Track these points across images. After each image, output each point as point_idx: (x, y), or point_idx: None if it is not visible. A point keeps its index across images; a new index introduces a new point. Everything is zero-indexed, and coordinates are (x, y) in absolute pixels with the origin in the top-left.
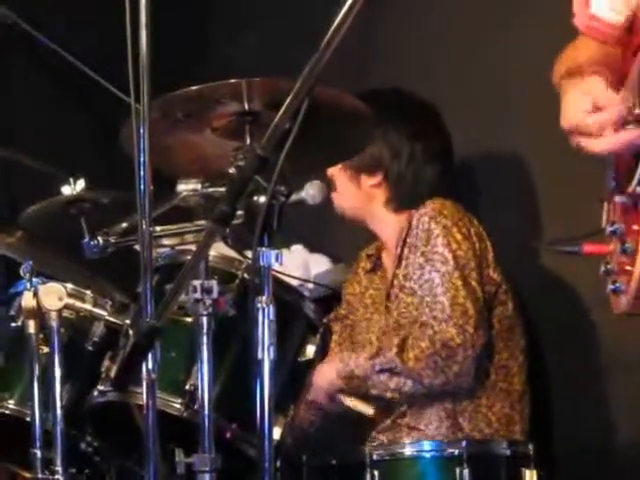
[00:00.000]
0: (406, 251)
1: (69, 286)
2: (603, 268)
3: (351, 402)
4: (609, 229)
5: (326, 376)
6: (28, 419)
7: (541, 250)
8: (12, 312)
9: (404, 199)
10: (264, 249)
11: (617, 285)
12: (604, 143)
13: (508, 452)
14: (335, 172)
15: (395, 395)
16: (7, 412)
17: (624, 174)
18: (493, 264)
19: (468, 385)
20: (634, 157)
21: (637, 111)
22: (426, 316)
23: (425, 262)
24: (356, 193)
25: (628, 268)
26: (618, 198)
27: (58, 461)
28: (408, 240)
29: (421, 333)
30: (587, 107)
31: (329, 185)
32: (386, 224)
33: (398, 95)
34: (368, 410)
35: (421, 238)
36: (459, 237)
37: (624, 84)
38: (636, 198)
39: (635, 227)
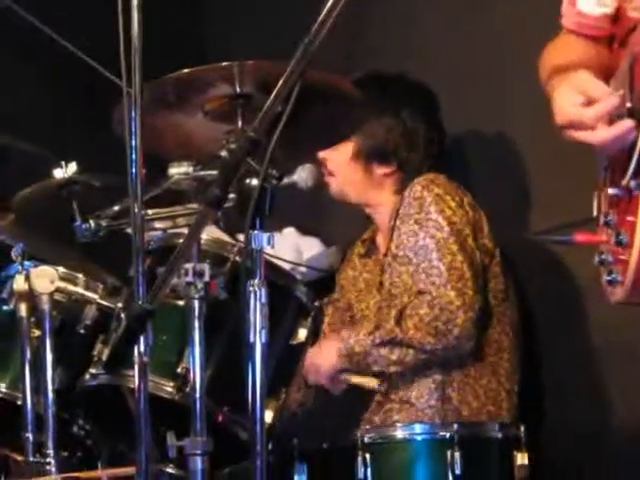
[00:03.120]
0: (398, 222)
1: (61, 269)
2: (597, 258)
3: (356, 379)
4: (603, 220)
5: (326, 357)
6: (20, 402)
7: (535, 240)
8: (4, 295)
9: (409, 182)
10: (256, 232)
11: (613, 276)
12: (599, 135)
13: (500, 435)
14: (339, 159)
15: (398, 368)
16: None
17: (616, 166)
18: (488, 235)
19: (470, 348)
20: (627, 150)
21: (628, 104)
22: (423, 283)
23: (419, 229)
24: (366, 182)
25: (623, 258)
26: (611, 190)
27: (50, 444)
28: (400, 211)
29: (419, 301)
30: (580, 100)
31: (322, 169)
32: (385, 207)
33: (406, 81)
34: (373, 383)
35: (413, 206)
36: (452, 204)
37: (614, 76)
38: (630, 191)
39: (630, 218)
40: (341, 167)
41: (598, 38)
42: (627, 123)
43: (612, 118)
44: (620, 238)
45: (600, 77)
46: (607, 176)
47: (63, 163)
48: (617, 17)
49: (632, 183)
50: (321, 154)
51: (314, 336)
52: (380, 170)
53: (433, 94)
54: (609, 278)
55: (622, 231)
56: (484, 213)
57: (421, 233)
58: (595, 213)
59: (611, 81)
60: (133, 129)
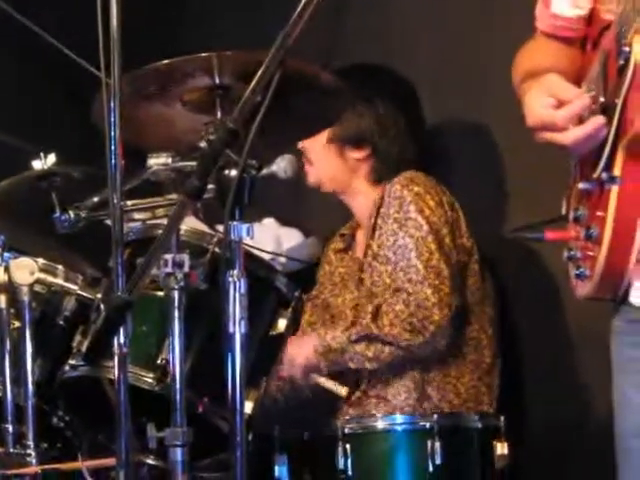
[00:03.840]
0: (379, 221)
1: (40, 261)
2: (566, 254)
3: (325, 382)
4: (573, 215)
5: (303, 352)
6: None
7: (509, 237)
8: None
9: (385, 173)
10: (235, 223)
11: (581, 270)
12: (571, 135)
13: (479, 425)
14: (314, 146)
15: (374, 364)
16: None
17: (587, 160)
18: (466, 233)
19: (444, 345)
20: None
21: (602, 99)
22: (400, 281)
23: (398, 228)
24: (339, 166)
25: (591, 254)
26: (582, 184)
27: (30, 436)
28: (381, 210)
29: (396, 298)
30: (550, 102)
31: (301, 159)
32: (363, 197)
33: (382, 70)
34: (341, 391)
35: (393, 205)
36: (432, 203)
37: (587, 75)
38: (601, 184)
39: (599, 213)
40: (318, 154)
41: (572, 40)
42: (598, 120)
43: (583, 118)
44: (590, 232)
45: (571, 80)
46: (577, 172)
47: (42, 154)
48: (591, 19)
49: (604, 175)
50: (300, 143)
51: (294, 326)
52: (353, 154)
53: (409, 84)
54: (577, 272)
55: (592, 225)
56: (463, 210)
57: (400, 232)
58: (564, 211)
59: (584, 81)
60: (112, 120)
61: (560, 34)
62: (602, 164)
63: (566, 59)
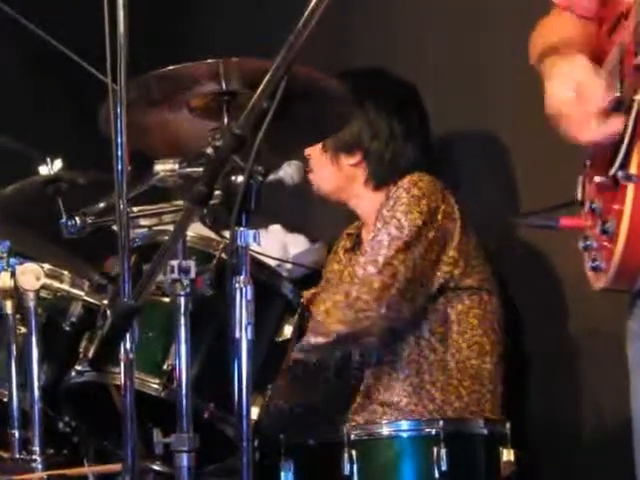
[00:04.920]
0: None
1: (46, 266)
2: (582, 244)
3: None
4: (589, 206)
5: None
6: (5, 399)
7: (517, 225)
8: None
9: (383, 177)
10: (242, 229)
11: (597, 263)
12: (588, 134)
13: (485, 431)
14: (314, 154)
15: (315, 355)
16: None
17: (603, 155)
18: (458, 244)
19: (375, 344)
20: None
21: (617, 94)
22: (360, 271)
23: (382, 225)
24: (336, 174)
25: (608, 246)
26: (597, 178)
27: (36, 441)
28: (382, 211)
29: (342, 286)
30: (572, 95)
31: (307, 165)
32: (366, 202)
33: (377, 74)
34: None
35: (388, 204)
36: (425, 209)
37: (604, 65)
38: (616, 181)
39: (616, 207)
40: (315, 162)
41: (587, 18)
42: (618, 123)
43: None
44: (606, 227)
45: (589, 56)
46: (593, 163)
47: (48, 160)
48: (606, 1)
49: (620, 173)
50: (307, 151)
51: (300, 333)
52: (347, 161)
53: (409, 87)
54: (593, 265)
55: (609, 219)
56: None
57: (383, 229)
58: (579, 197)
59: (601, 70)
60: (119, 126)
61: (573, 10)
62: (618, 162)
63: (587, 34)
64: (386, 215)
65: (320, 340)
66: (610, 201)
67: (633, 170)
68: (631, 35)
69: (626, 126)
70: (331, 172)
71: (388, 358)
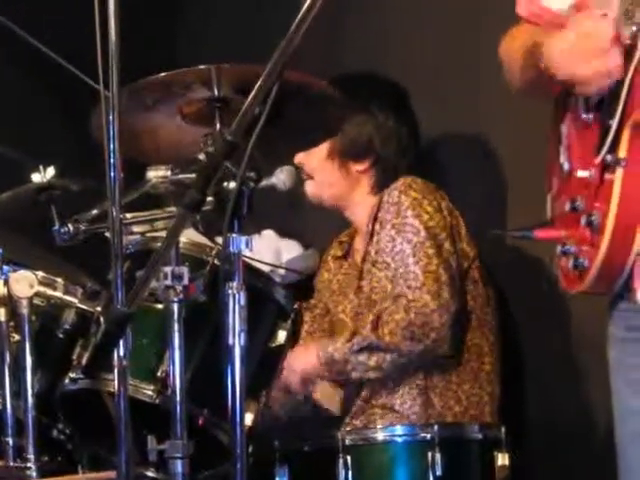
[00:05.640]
0: (377, 227)
1: (40, 274)
2: (560, 248)
3: (320, 397)
4: (570, 206)
5: (307, 360)
6: None
7: (497, 237)
8: None
9: (386, 182)
10: (234, 235)
11: (579, 261)
12: (586, 67)
13: (480, 436)
14: (317, 161)
15: (377, 374)
16: None
17: (585, 147)
18: (466, 238)
19: (444, 353)
20: (600, 126)
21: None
22: (399, 287)
23: (396, 234)
24: (341, 180)
25: (590, 245)
26: (581, 172)
27: (30, 449)
28: (379, 215)
29: (395, 306)
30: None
31: (302, 172)
32: (363, 207)
33: (372, 77)
34: (334, 409)
35: (391, 212)
36: (430, 209)
37: None
38: (601, 170)
39: (600, 199)
40: (318, 168)
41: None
42: (617, 56)
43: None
44: (591, 219)
45: None
46: (571, 166)
47: (41, 167)
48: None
49: (608, 157)
50: (297, 159)
51: (293, 338)
52: (356, 167)
53: (403, 90)
54: (575, 263)
55: (593, 212)
56: (462, 216)
57: (398, 238)
58: (549, 215)
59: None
60: (111, 133)
61: (536, 22)
62: (606, 146)
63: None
64: (395, 223)
65: (389, 357)
66: (594, 195)
67: (622, 154)
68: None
69: (615, 113)
70: (337, 178)
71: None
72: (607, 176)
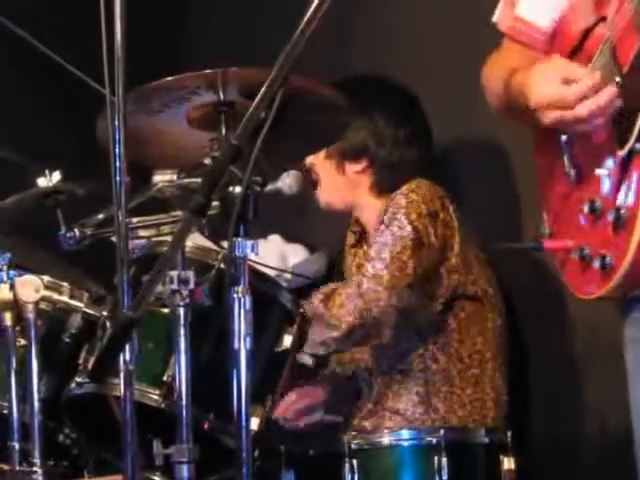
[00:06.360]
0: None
1: (46, 278)
2: (578, 254)
3: (325, 416)
4: (587, 209)
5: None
6: (5, 412)
7: (504, 249)
8: None
9: (387, 183)
10: (240, 239)
11: (606, 261)
12: (585, 107)
13: (486, 440)
14: (319, 163)
15: (327, 348)
16: None
17: (594, 148)
18: (460, 253)
19: (386, 339)
20: (614, 121)
21: (617, 79)
22: (366, 268)
23: (385, 228)
24: (341, 182)
25: (616, 243)
26: (600, 171)
27: (36, 453)
28: (384, 219)
29: (353, 280)
30: (558, 80)
31: (308, 176)
32: (370, 209)
33: (379, 81)
34: (308, 360)
35: (388, 211)
36: (424, 212)
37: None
38: (623, 163)
39: (626, 191)
40: (322, 173)
41: (531, 47)
42: (611, 90)
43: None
44: (619, 214)
45: None
46: (577, 174)
47: (47, 172)
48: (556, 34)
49: (637, 146)
50: (309, 160)
51: (299, 343)
52: (352, 168)
53: (410, 94)
54: (602, 264)
55: (622, 206)
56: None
57: (386, 231)
58: (548, 231)
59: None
60: (117, 137)
61: (516, 39)
62: (635, 135)
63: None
64: (386, 218)
65: (334, 334)
66: (616, 191)
67: None
68: (623, 23)
69: None
70: (336, 180)
71: (399, 367)
72: (630, 168)
